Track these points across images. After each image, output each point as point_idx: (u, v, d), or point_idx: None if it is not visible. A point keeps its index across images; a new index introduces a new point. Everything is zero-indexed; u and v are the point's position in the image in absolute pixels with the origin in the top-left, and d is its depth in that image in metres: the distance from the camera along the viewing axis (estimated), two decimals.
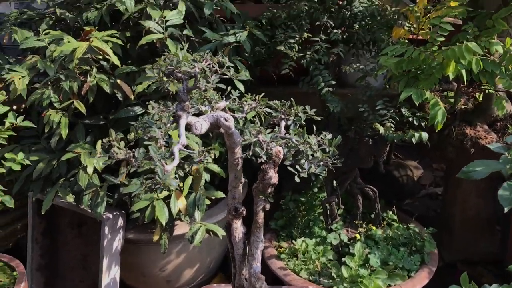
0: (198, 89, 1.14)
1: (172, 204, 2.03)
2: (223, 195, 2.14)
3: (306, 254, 2.29)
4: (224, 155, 2.33)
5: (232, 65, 1.23)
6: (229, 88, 1.48)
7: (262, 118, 1.85)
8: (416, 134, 1.98)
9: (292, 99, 1.28)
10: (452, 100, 2.25)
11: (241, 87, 1.99)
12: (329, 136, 1.22)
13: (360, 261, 2.17)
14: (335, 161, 1.23)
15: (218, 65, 1.16)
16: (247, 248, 1.36)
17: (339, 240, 2.31)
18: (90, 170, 1.95)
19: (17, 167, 1.56)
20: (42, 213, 2.08)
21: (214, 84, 1.16)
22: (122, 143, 1.11)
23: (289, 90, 2.41)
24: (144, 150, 1.08)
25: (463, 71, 1.93)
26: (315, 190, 2.61)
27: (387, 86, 2.31)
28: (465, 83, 2.09)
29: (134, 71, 2.06)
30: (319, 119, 1.28)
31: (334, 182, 2.37)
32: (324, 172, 1.23)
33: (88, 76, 1.98)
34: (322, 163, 1.20)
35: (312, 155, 1.18)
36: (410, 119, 2.03)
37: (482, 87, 2.21)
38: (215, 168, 2.15)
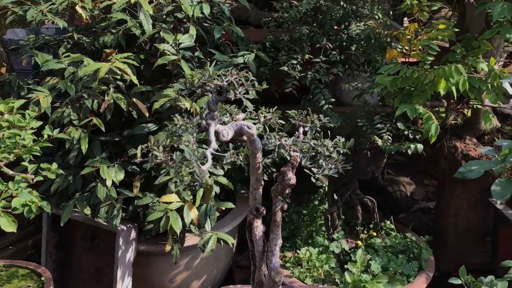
0: (227, 99, 1.28)
1: (185, 215, 2.15)
2: (233, 206, 2.27)
3: (310, 262, 2.41)
4: (230, 171, 2.47)
5: (255, 79, 1.38)
6: (244, 103, 1.63)
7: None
8: (412, 146, 2.14)
9: (308, 108, 1.43)
10: (443, 115, 2.43)
11: (249, 104, 2.13)
12: (343, 139, 1.37)
13: (362, 267, 2.30)
14: (345, 165, 1.38)
15: (244, 78, 1.32)
16: (267, 245, 1.49)
17: (341, 249, 2.44)
18: (109, 183, 2.07)
19: (52, 176, 1.68)
20: (61, 225, 2.18)
21: (241, 95, 1.31)
22: (161, 148, 1.25)
23: (290, 108, 2.58)
24: (180, 153, 1.21)
25: (453, 88, 2.11)
26: (316, 202, 2.74)
27: (381, 103, 2.48)
28: (455, 99, 2.27)
29: (149, 90, 2.20)
30: (333, 125, 1.43)
31: (335, 194, 2.52)
32: (334, 174, 1.37)
33: (106, 95, 2.11)
34: (334, 165, 1.34)
35: (329, 155, 1.33)
36: (406, 132, 2.19)
37: (471, 102, 2.39)
38: (224, 181, 2.28)
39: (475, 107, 2.41)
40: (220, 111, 1.43)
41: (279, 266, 1.45)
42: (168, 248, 2.27)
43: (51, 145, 1.64)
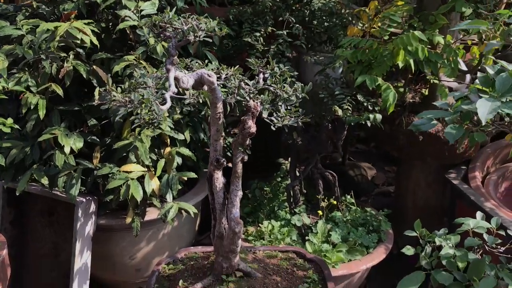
0: (188, 42, 1.28)
1: (146, 184, 2.13)
2: (195, 176, 2.26)
3: (272, 235, 2.42)
4: (194, 143, 2.46)
5: (215, 26, 1.38)
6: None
7: None
8: (371, 116, 2.18)
9: (268, 55, 1.45)
10: (401, 90, 2.49)
11: (212, 63, 2.14)
12: (301, 84, 1.39)
13: (322, 238, 2.33)
14: (305, 117, 1.40)
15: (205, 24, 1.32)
16: (227, 197, 1.49)
17: (302, 222, 2.46)
18: (67, 149, 2.03)
19: (7, 130, 1.63)
20: (17, 194, 2.12)
21: (201, 38, 1.31)
22: (119, 89, 1.23)
23: None
24: (140, 95, 1.20)
25: (411, 61, 2.17)
26: (279, 179, 2.76)
27: (344, 80, 2.53)
28: (413, 73, 2.33)
29: (109, 57, 2.17)
30: (295, 74, 1.45)
31: (297, 168, 2.54)
32: (296, 124, 1.39)
33: (65, 62, 2.08)
34: (295, 116, 1.36)
35: (288, 98, 1.35)
36: (365, 104, 2.24)
37: (428, 77, 2.47)
38: (187, 152, 2.27)
39: (432, 82, 2.48)
40: (181, 64, 1.43)
41: (239, 216, 1.46)
42: (128, 220, 2.24)
43: (6, 97, 1.59)
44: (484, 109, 1.10)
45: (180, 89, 1.40)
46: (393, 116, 2.62)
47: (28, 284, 2.45)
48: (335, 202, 2.45)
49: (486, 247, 1.57)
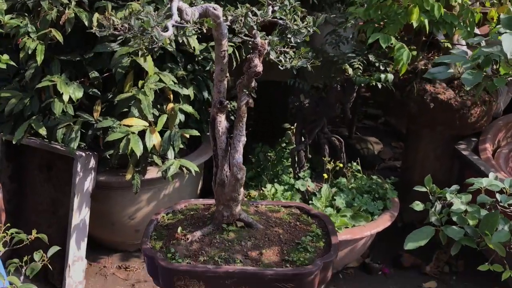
0: None
1: (147, 139, 2.07)
2: (198, 134, 2.19)
3: (275, 199, 2.36)
4: (198, 103, 2.39)
5: None
6: None
7: None
8: (382, 75, 2.10)
9: None
10: (414, 53, 2.40)
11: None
12: (312, 17, 1.31)
13: (326, 202, 2.27)
14: (314, 61, 1.32)
15: None
16: (230, 142, 1.43)
17: (306, 187, 2.40)
18: (65, 97, 1.97)
19: (3, 66, 1.57)
20: (13, 142, 2.07)
21: None
22: (119, 15, 1.17)
23: None
24: (140, 22, 1.13)
25: (426, 21, 2.08)
26: (284, 145, 2.70)
27: (354, 43, 2.44)
28: (427, 36, 2.24)
29: (113, 6, 2.10)
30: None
31: (303, 132, 2.47)
32: (306, 65, 1.32)
33: (67, 8, 2.00)
34: (303, 60, 1.29)
35: (298, 30, 1.27)
36: (377, 64, 2.16)
37: (442, 41, 2.37)
38: (190, 109, 2.21)
39: (446, 46, 2.39)
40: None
41: (241, 162, 1.40)
42: (128, 177, 2.19)
43: (2, 31, 1.52)
44: (510, 42, 1.03)
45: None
46: (404, 83, 2.54)
47: None
48: (341, 165, 2.37)
49: (499, 206, 1.49)
